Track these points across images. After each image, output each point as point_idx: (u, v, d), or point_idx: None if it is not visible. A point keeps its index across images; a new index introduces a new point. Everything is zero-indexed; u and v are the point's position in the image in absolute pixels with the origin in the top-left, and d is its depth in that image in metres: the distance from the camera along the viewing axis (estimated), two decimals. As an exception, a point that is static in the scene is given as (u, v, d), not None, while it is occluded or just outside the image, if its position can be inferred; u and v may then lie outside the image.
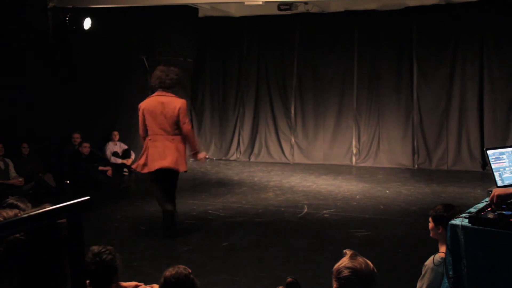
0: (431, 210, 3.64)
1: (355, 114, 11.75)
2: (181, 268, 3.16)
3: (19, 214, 2.55)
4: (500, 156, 3.57)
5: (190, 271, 3.17)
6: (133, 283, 3.55)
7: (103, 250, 3.20)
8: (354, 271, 2.69)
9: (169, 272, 3.15)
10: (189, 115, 13.09)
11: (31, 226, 1.72)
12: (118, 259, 3.27)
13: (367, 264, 2.73)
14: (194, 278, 3.20)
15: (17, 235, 1.96)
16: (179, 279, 3.11)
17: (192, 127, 6.69)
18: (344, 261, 2.75)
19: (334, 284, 2.77)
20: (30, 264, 2.02)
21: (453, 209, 3.49)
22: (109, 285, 3.25)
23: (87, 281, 3.22)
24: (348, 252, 2.81)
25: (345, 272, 2.70)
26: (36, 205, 2.24)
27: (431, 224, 3.62)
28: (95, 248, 3.20)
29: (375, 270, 2.76)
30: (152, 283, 3.68)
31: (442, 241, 3.44)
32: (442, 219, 3.47)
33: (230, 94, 12.78)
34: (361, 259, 2.76)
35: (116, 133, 10.87)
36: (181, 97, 6.73)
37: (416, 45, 11.18)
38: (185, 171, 6.48)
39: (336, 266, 2.78)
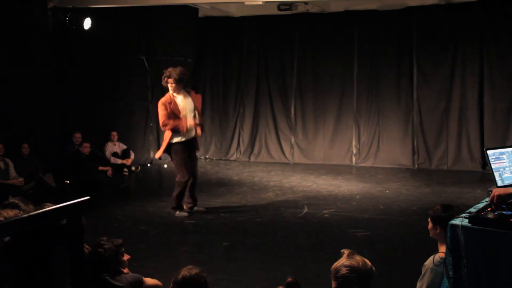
0: (430, 210, 3.65)
1: (355, 114, 11.75)
2: (199, 270, 3.15)
3: (19, 214, 2.55)
4: (500, 156, 3.57)
5: (204, 274, 3.17)
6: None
7: (101, 242, 3.30)
8: (351, 269, 2.70)
9: (188, 271, 3.11)
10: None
11: (31, 226, 1.72)
12: (115, 251, 3.33)
13: (364, 262, 2.74)
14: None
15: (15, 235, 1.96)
16: (196, 281, 3.09)
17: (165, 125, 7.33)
18: (342, 260, 2.76)
19: (333, 284, 2.77)
20: (29, 263, 2.02)
21: (451, 210, 3.49)
22: (101, 275, 3.31)
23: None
24: (345, 251, 2.83)
25: (343, 271, 2.71)
26: (36, 205, 2.25)
27: (430, 224, 3.62)
28: (97, 240, 3.35)
29: (373, 268, 2.77)
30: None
31: (441, 241, 3.45)
32: (440, 220, 3.47)
33: (230, 94, 12.78)
34: (358, 258, 2.76)
35: (114, 133, 10.87)
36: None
37: (416, 45, 11.18)
38: (159, 158, 7.67)
39: (334, 265, 2.79)
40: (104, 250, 3.33)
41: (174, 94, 7.27)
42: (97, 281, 3.30)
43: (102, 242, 3.37)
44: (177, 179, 7.38)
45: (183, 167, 7.27)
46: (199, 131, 7.39)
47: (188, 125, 7.23)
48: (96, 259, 3.32)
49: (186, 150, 7.28)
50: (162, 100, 7.30)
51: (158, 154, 7.66)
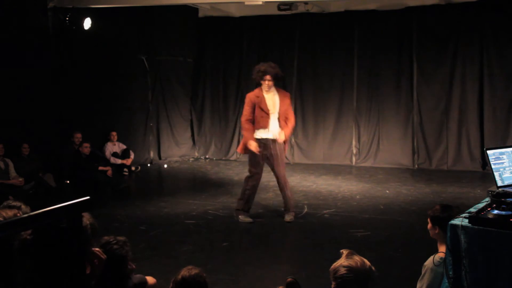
0: (429, 211, 3.65)
1: (355, 114, 11.75)
2: (199, 271, 3.14)
3: (18, 214, 2.55)
4: (500, 156, 3.58)
5: (204, 274, 3.16)
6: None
7: (112, 240, 3.25)
8: (350, 269, 2.70)
9: (187, 271, 3.10)
10: (190, 115, 13.10)
11: (31, 226, 1.72)
12: (126, 249, 3.29)
13: (363, 262, 2.74)
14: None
15: (27, 235, 1.96)
16: (196, 281, 3.09)
17: (249, 121, 7.00)
18: (341, 261, 2.76)
19: (332, 284, 2.78)
20: (42, 262, 2.02)
21: (450, 210, 3.48)
22: (119, 276, 3.27)
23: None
24: (344, 251, 2.82)
25: (342, 271, 2.71)
26: (36, 205, 2.24)
27: (429, 225, 3.62)
28: (104, 239, 3.26)
29: (372, 268, 2.76)
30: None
31: (441, 241, 3.45)
32: (439, 220, 3.47)
33: (230, 94, 12.78)
34: (357, 258, 2.76)
35: (114, 133, 10.86)
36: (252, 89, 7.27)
37: (416, 45, 11.18)
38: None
39: (333, 265, 2.79)
40: (120, 247, 3.27)
41: (265, 90, 6.90)
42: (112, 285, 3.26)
43: (112, 240, 3.29)
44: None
45: (251, 163, 7.12)
46: (282, 136, 6.94)
47: (271, 126, 6.91)
48: (116, 258, 3.23)
49: (261, 148, 6.94)
50: (250, 95, 7.02)
51: (239, 149, 7.38)
